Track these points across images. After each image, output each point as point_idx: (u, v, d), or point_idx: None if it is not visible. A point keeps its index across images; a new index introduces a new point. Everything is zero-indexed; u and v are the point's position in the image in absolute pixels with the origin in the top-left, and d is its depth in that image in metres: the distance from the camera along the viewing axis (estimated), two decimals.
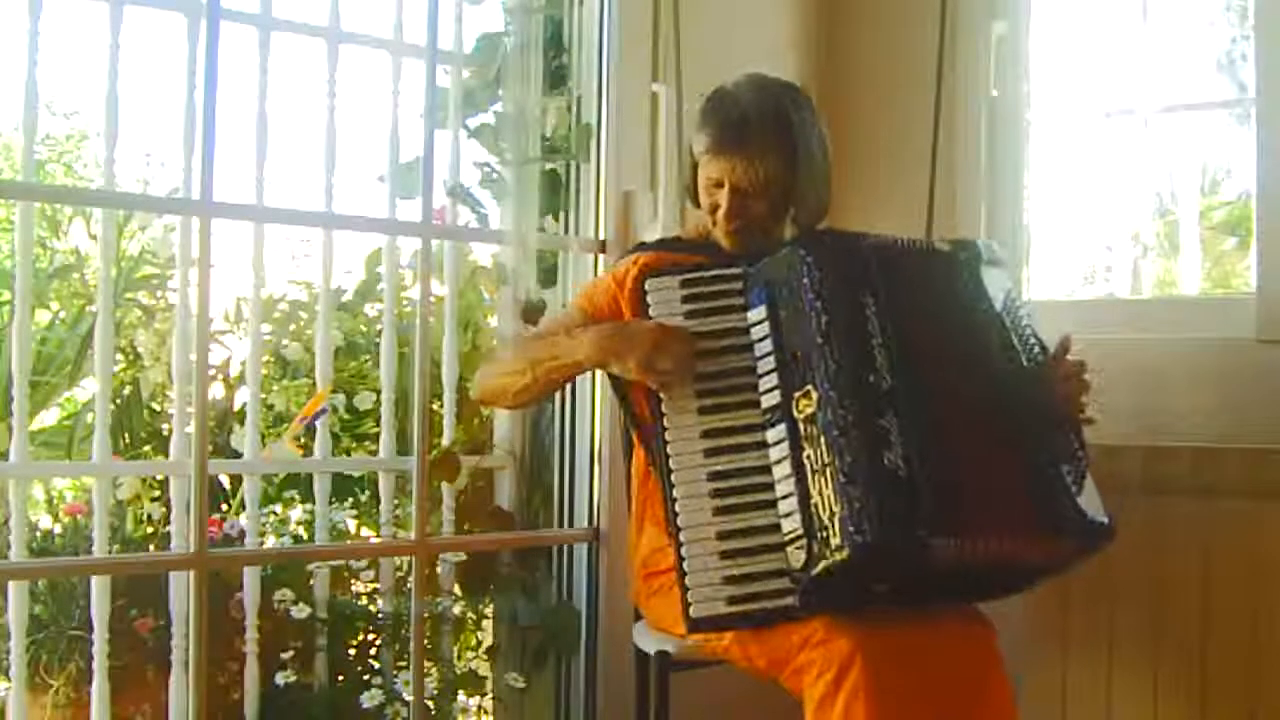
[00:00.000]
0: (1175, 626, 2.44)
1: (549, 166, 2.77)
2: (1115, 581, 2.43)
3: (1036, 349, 1.99)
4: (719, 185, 2.10)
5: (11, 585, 2.25)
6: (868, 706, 1.73)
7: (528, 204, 2.73)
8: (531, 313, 2.72)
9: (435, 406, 2.68)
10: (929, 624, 1.85)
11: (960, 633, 1.88)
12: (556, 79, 2.77)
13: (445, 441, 2.65)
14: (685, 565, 1.86)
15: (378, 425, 2.75)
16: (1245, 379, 2.61)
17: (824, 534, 1.78)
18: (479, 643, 2.85)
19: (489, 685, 2.77)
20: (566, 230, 2.78)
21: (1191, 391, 2.65)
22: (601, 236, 2.71)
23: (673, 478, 1.89)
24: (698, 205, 2.20)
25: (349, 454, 3.18)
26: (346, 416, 3.22)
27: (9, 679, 2.33)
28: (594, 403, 2.68)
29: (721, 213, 2.11)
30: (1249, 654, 2.36)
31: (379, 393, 2.75)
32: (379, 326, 2.85)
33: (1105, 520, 1.88)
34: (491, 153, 2.75)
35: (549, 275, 2.77)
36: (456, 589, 2.68)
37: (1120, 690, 2.49)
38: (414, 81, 2.59)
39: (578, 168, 2.76)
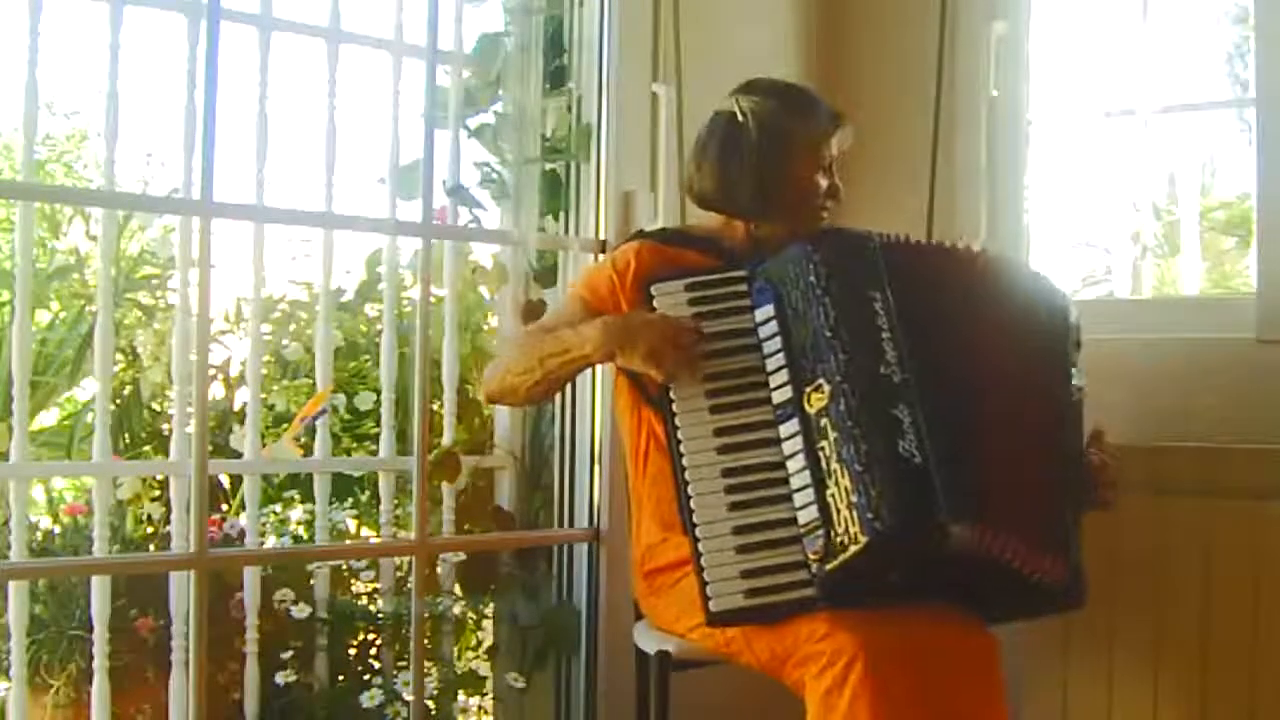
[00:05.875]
0: (1176, 626, 2.43)
1: (549, 166, 2.77)
2: (1116, 582, 2.42)
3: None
4: (828, 165, 2.17)
5: (11, 585, 2.25)
6: (871, 703, 1.73)
7: (528, 204, 2.73)
8: (531, 312, 2.72)
9: (435, 406, 2.68)
10: (934, 625, 1.85)
11: (964, 637, 1.87)
12: (556, 79, 2.77)
13: (445, 441, 2.65)
14: (703, 560, 1.85)
15: (378, 425, 2.75)
16: (1245, 379, 2.60)
17: (841, 523, 1.78)
18: (479, 643, 2.85)
19: (489, 685, 2.77)
20: (566, 230, 2.78)
21: (1191, 391, 2.64)
22: (601, 236, 2.71)
23: (686, 475, 1.89)
24: (759, 209, 2.14)
25: (349, 454, 3.18)
26: (346, 416, 3.22)
27: (9, 679, 2.32)
28: (594, 403, 2.68)
29: (835, 188, 2.18)
30: (1250, 654, 2.36)
31: (379, 393, 2.75)
32: (379, 326, 2.85)
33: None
34: (491, 153, 2.75)
35: (549, 275, 2.77)
36: (456, 589, 2.68)
37: (1121, 690, 2.49)
38: (414, 81, 2.59)
39: (578, 168, 2.76)
